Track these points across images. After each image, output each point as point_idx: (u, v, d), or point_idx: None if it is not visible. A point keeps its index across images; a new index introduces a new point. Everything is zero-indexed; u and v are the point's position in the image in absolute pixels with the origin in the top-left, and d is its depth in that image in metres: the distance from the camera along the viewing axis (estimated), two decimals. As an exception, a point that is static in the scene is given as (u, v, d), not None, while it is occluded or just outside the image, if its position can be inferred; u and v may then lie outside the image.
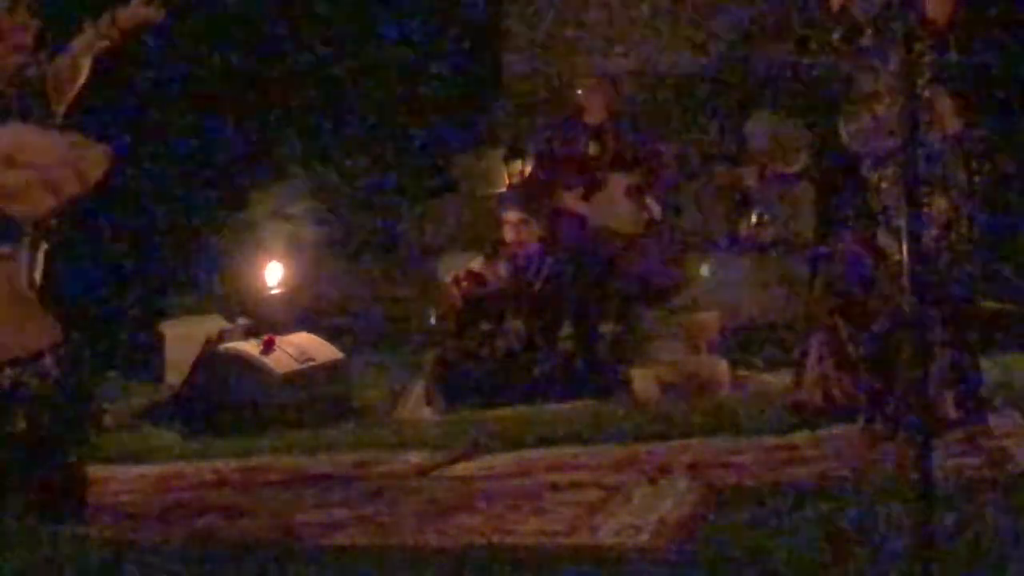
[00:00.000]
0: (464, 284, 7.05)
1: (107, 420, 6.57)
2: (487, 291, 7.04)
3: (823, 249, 5.00)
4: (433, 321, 7.29)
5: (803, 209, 9.30)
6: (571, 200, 7.37)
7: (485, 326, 6.99)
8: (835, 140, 4.88)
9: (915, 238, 2.98)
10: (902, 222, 4.52)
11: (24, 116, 4.61)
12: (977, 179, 4.82)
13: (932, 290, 4.63)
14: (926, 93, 4.71)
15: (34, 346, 4.47)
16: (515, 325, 6.94)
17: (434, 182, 10.21)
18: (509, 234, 7.18)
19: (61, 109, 4.75)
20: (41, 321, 4.55)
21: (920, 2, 4.67)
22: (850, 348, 4.91)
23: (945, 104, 4.76)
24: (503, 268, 7.09)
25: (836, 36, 4.82)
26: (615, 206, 7.33)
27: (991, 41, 5.30)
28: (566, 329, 7.21)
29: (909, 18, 4.49)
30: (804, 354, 5.19)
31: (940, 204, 4.74)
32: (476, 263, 7.22)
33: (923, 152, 4.67)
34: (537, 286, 7.00)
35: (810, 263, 5.23)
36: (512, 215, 7.25)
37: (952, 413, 4.71)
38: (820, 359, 5.01)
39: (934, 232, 4.71)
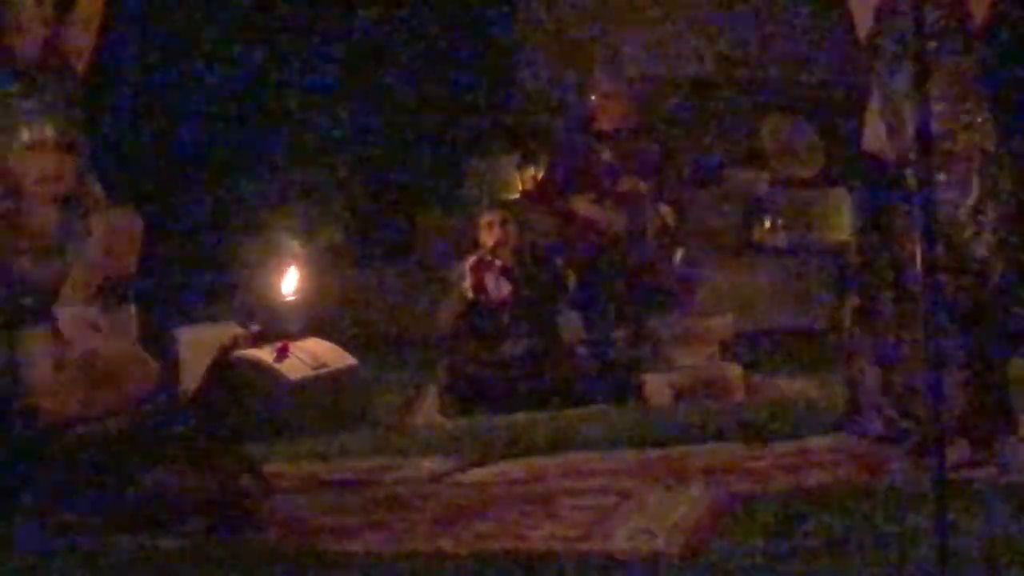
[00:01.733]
0: (477, 272, 7.01)
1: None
2: (488, 301, 7.02)
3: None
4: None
5: (816, 214, 9.32)
6: (584, 206, 7.36)
7: (491, 334, 6.99)
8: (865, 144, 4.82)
9: (928, 242, 2.97)
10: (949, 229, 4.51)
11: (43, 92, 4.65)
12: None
13: (983, 302, 4.61)
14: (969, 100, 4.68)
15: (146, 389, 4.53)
16: (518, 335, 6.94)
17: (447, 188, 10.22)
18: (487, 236, 7.12)
19: (82, 67, 4.79)
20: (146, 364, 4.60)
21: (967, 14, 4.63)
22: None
23: (984, 112, 4.72)
24: (494, 281, 7.05)
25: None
26: (628, 212, 7.32)
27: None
28: (579, 334, 7.20)
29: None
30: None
31: (992, 215, 4.67)
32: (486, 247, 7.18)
33: (977, 159, 4.65)
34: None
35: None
36: (489, 215, 7.22)
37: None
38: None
39: (991, 239, 4.65)
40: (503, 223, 7.12)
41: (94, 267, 4.44)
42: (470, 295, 6.99)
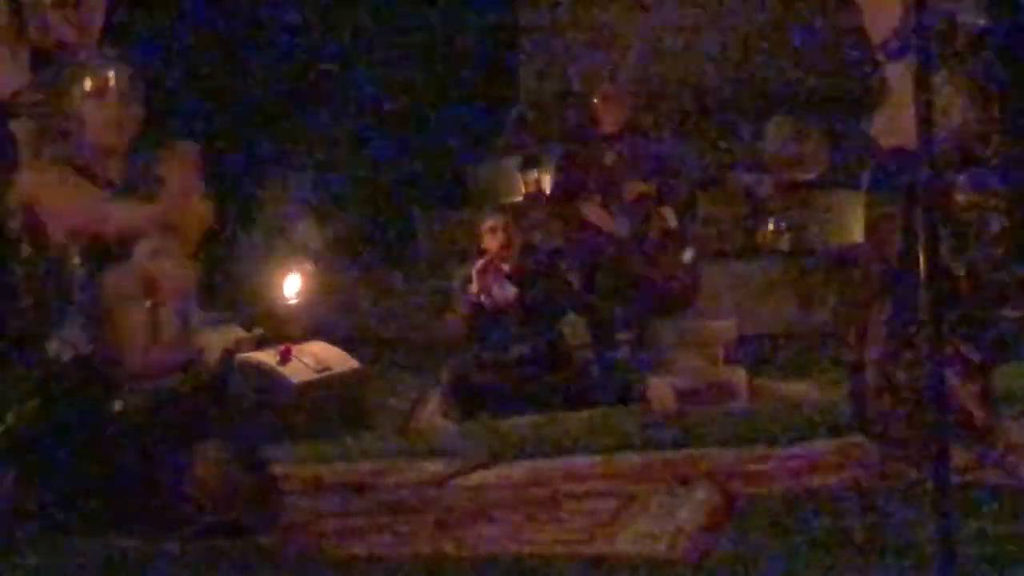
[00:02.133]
0: (483, 276, 7.00)
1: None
2: (493, 305, 7.01)
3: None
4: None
5: (819, 217, 9.31)
6: (587, 209, 7.36)
7: (496, 337, 6.98)
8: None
9: (931, 240, 2.95)
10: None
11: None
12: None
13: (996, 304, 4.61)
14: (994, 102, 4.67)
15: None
16: (522, 338, 6.93)
17: (450, 192, 10.21)
18: (490, 241, 7.13)
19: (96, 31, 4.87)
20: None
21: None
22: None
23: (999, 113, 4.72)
24: (499, 285, 7.04)
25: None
26: (631, 214, 7.32)
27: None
28: (582, 338, 7.19)
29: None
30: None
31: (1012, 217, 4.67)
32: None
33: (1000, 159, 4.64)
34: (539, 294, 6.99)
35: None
36: (491, 221, 7.22)
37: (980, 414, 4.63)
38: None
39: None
40: (506, 228, 7.13)
41: (167, 211, 4.48)
42: (476, 299, 6.99)
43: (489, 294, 7.00)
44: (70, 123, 4.51)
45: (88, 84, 4.51)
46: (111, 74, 4.51)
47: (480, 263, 7.06)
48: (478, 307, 6.99)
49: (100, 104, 4.50)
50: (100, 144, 4.51)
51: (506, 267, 7.04)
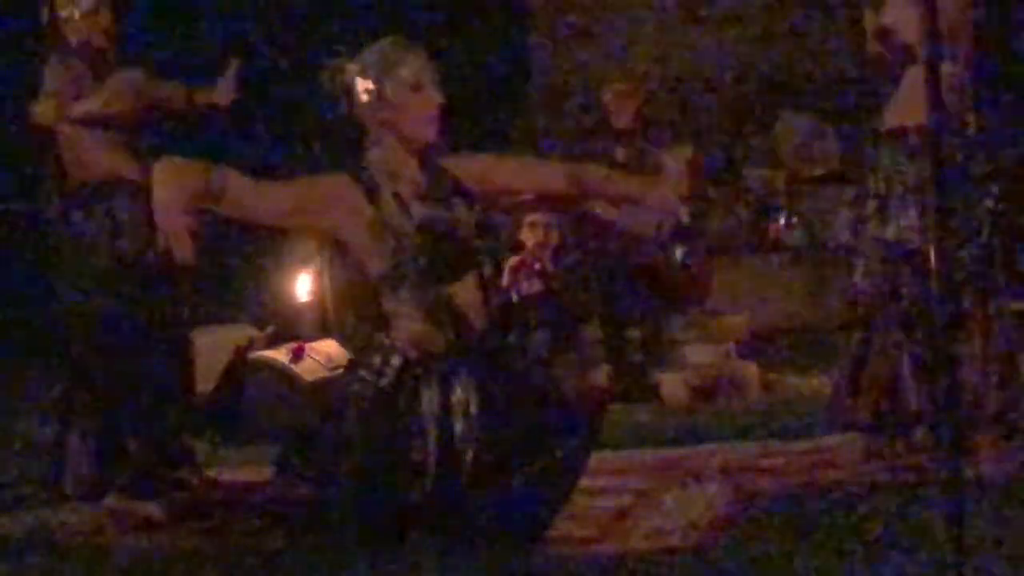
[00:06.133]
0: (515, 272, 7.01)
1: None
2: (512, 299, 7.02)
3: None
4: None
5: (831, 212, 9.30)
6: (599, 205, 7.34)
7: (512, 336, 6.97)
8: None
9: (941, 232, 2.94)
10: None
11: None
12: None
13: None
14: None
15: None
16: (539, 336, 6.93)
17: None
18: (529, 235, 7.13)
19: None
20: None
21: None
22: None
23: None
24: (527, 280, 7.05)
25: None
26: (642, 210, 7.30)
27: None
28: (594, 334, 7.19)
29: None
30: None
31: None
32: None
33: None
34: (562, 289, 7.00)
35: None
36: (533, 216, 7.22)
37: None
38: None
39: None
40: (547, 225, 7.15)
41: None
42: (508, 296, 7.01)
43: (518, 291, 7.02)
44: (386, 121, 4.15)
45: (405, 73, 4.13)
46: (425, 69, 4.15)
47: (514, 260, 7.08)
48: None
49: (419, 97, 4.14)
50: (415, 141, 4.19)
51: (538, 265, 7.06)
